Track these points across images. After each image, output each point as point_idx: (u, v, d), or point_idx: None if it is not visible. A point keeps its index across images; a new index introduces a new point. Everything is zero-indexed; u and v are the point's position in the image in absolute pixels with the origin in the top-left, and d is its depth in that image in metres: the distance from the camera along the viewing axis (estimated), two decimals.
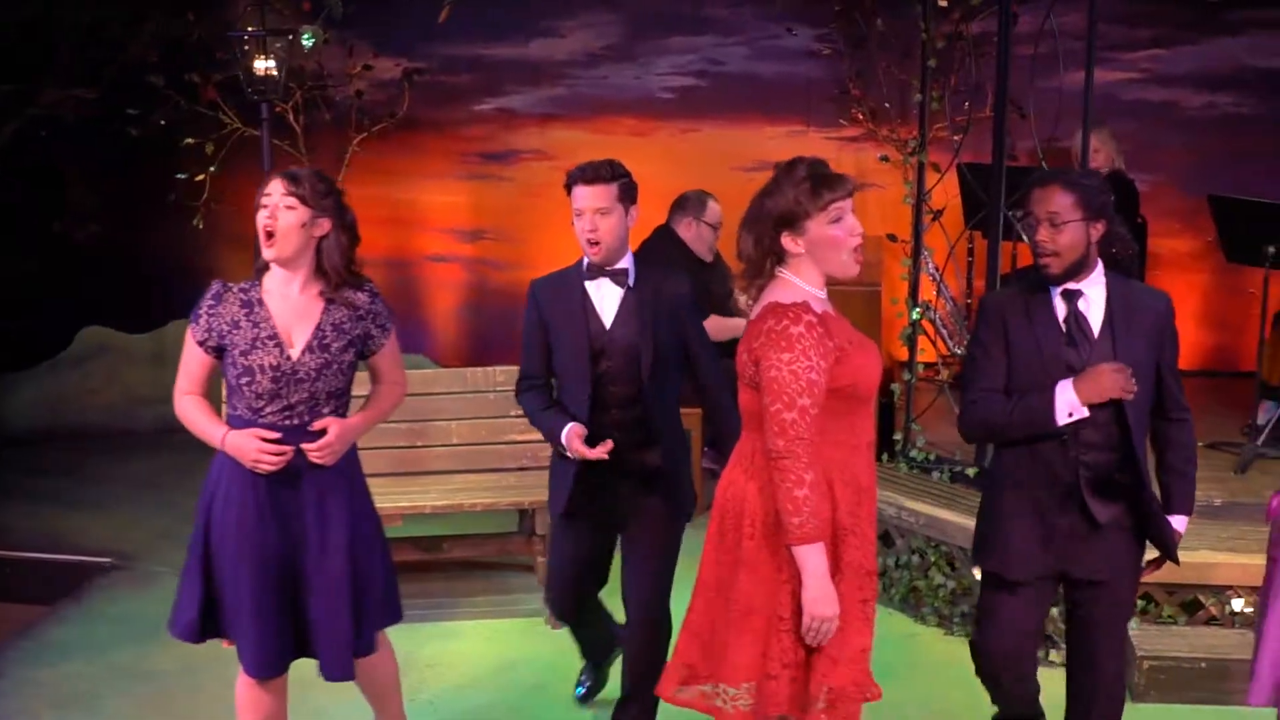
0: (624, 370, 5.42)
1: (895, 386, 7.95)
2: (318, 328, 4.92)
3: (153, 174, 10.01)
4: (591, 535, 5.66)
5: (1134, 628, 6.66)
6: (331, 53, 9.93)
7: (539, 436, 7.56)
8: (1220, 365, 10.12)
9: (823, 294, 4.39)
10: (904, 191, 7.91)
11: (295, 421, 4.91)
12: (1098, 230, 4.87)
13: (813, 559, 4.19)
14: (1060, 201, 4.83)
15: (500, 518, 7.82)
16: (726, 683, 4.38)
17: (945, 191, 8.04)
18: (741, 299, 4.55)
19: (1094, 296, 4.94)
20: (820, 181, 4.33)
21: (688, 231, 8.70)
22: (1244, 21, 9.93)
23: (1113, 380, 4.72)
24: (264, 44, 8.11)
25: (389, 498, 7.09)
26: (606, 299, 5.46)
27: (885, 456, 7.85)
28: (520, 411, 7.53)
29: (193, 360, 4.97)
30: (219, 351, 4.91)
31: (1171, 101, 10.13)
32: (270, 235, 4.86)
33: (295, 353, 4.88)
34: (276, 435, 4.86)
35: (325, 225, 4.93)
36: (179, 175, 9.74)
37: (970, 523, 6.94)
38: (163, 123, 9.65)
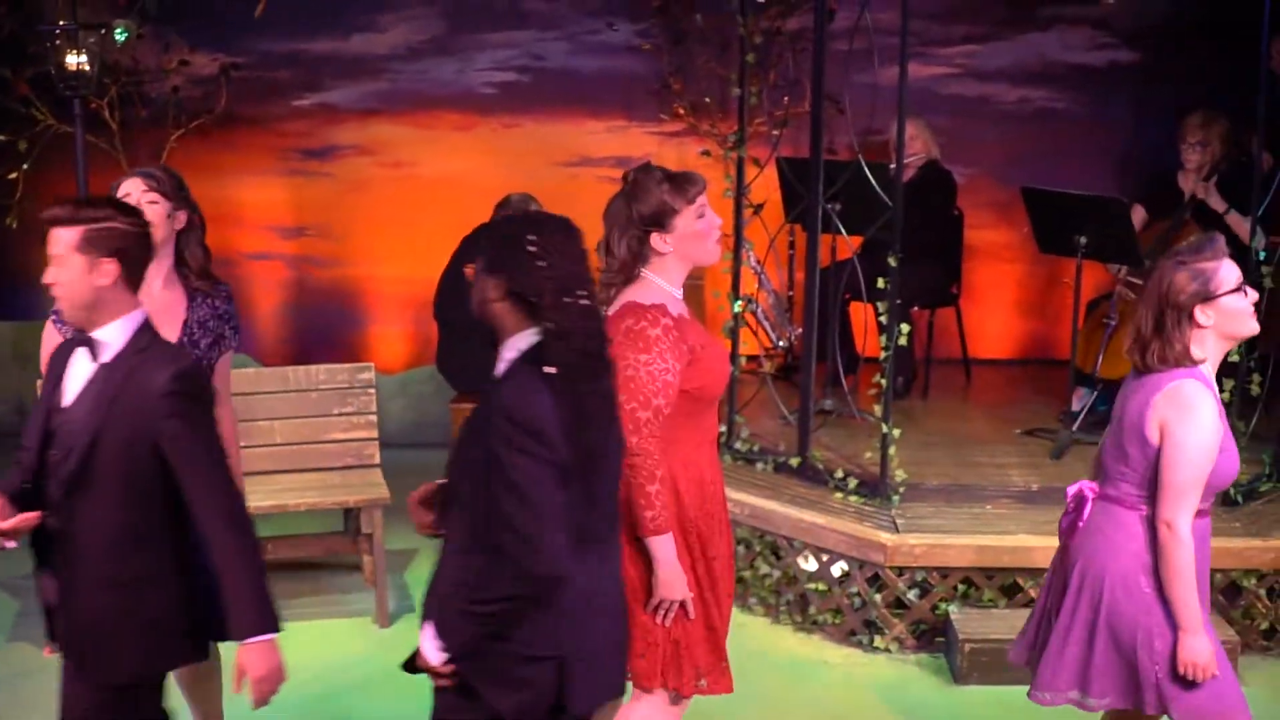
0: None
1: None
2: (185, 325, 4.99)
3: None
4: None
5: (955, 611, 6.81)
6: (147, 48, 9.77)
7: (365, 434, 7.57)
8: (1036, 353, 10.33)
9: (679, 294, 4.63)
10: (725, 186, 7.98)
11: None
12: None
13: (664, 547, 4.51)
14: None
15: (325, 517, 7.76)
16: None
17: (765, 185, 8.13)
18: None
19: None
20: (679, 181, 4.57)
21: None
22: (1054, 18, 10.14)
23: None
24: (76, 38, 7.97)
25: None
26: (77, 371, 4.26)
27: None
28: (345, 409, 7.54)
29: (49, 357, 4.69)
30: None
31: (986, 96, 10.30)
32: None
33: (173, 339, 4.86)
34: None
35: (183, 218, 5.04)
36: None
37: (794, 512, 7.08)
38: None
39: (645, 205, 4.52)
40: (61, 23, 7.98)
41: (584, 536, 3.84)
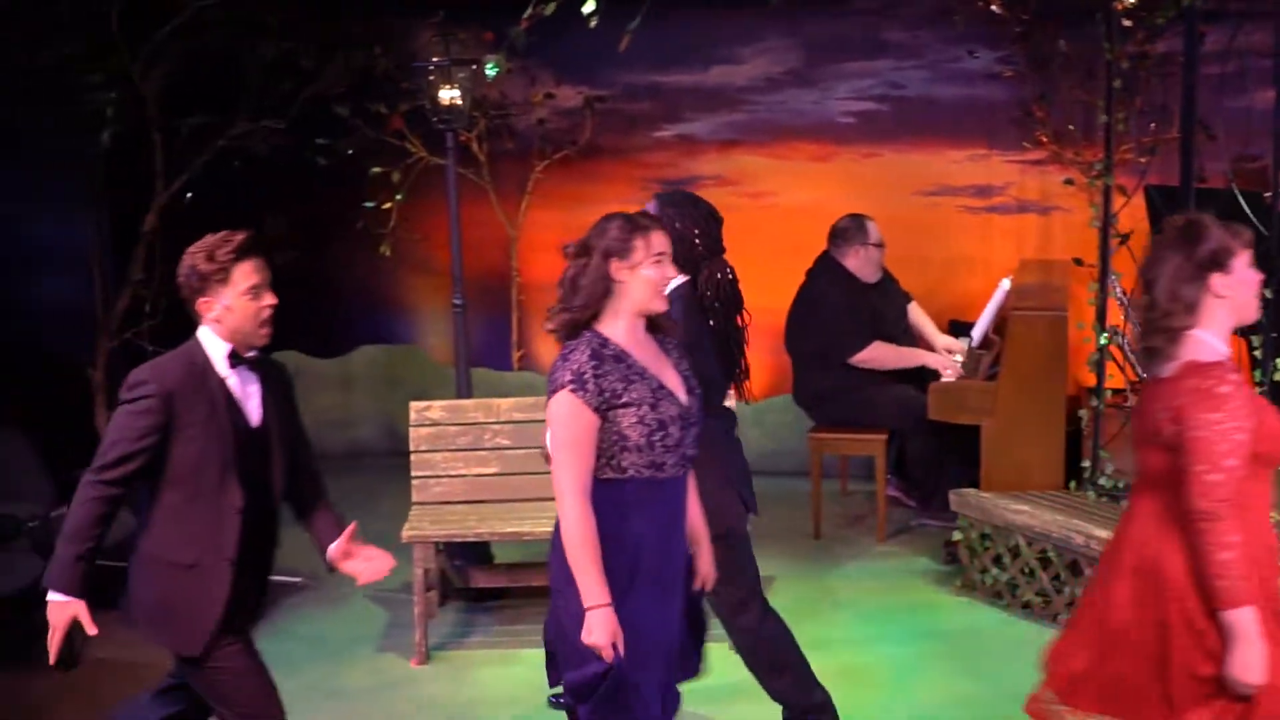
0: None
1: (1083, 413, 7.84)
2: (676, 368, 4.69)
3: (340, 203, 10.22)
4: None
5: None
6: (514, 82, 10.06)
7: None
8: None
9: (1228, 352, 4.40)
10: (1090, 215, 7.80)
11: (683, 471, 4.65)
12: None
13: (1243, 621, 4.16)
14: None
15: None
16: None
17: (1132, 215, 7.91)
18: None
19: None
20: (1230, 226, 4.39)
21: (855, 259, 8.78)
22: None
23: None
24: (449, 74, 8.22)
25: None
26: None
27: (1072, 484, 7.74)
28: None
29: (585, 434, 4.46)
30: (605, 415, 4.47)
31: None
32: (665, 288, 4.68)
33: (683, 398, 4.63)
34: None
35: None
36: (366, 204, 9.93)
37: None
38: (350, 152, 9.84)
39: (1207, 245, 4.31)
40: (435, 59, 8.25)
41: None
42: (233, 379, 4.84)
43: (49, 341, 9.27)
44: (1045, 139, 9.76)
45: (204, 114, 9.11)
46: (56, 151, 8.96)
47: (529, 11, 7.16)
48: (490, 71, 8.29)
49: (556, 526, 4.58)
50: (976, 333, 8.85)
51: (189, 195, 9.33)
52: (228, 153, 9.34)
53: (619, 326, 4.59)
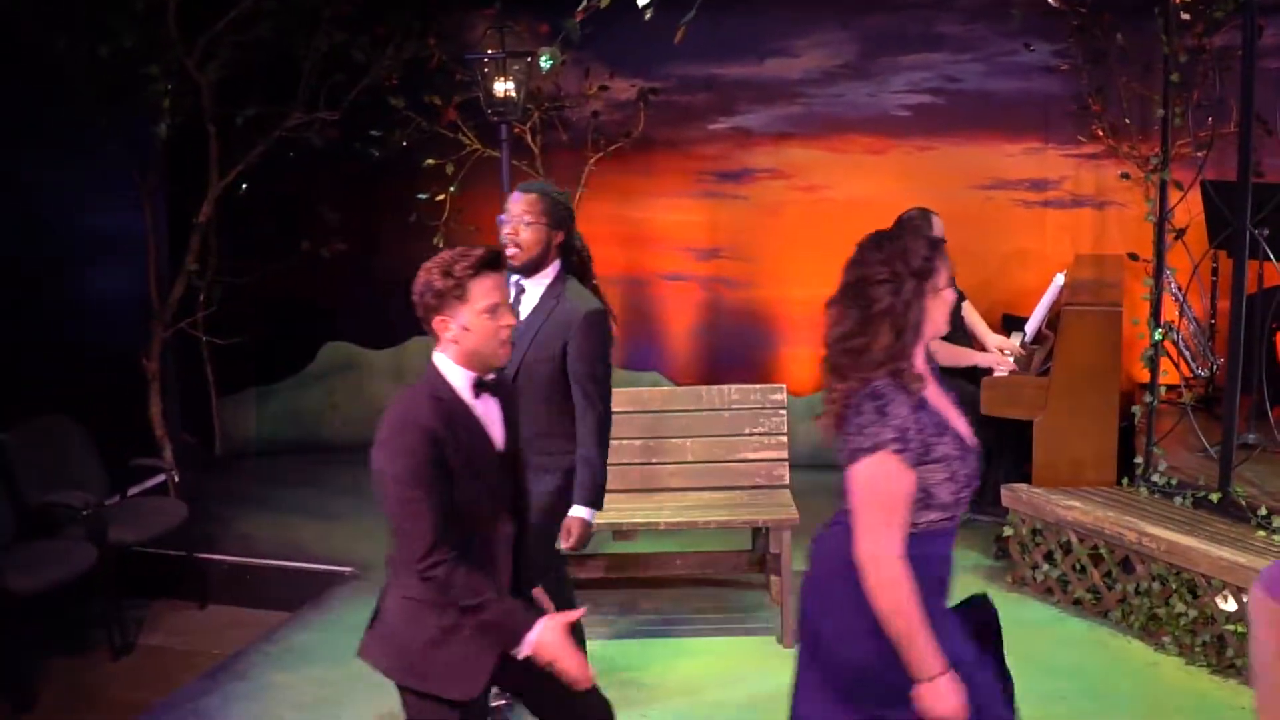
0: None
1: (1136, 409, 7.79)
2: (956, 405, 4.20)
3: (394, 194, 10.26)
4: None
5: None
6: (568, 74, 10.05)
7: (776, 455, 7.58)
8: None
9: None
10: (1145, 209, 7.75)
11: (962, 511, 4.13)
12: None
13: None
14: None
15: (733, 535, 7.84)
16: None
17: (1188, 209, 7.85)
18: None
19: None
20: None
21: None
22: None
23: None
24: (503, 66, 8.24)
25: (624, 513, 7.16)
26: None
27: (1125, 481, 7.70)
28: (757, 429, 7.61)
29: (905, 496, 3.93)
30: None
31: None
32: None
33: (970, 439, 4.14)
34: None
35: None
36: (420, 195, 9.95)
37: (1213, 550, 6.80)
38: (404, 144, 9.88)
39: None
40: (490, 51, 8.26)
41: None
42: (478, 406, 4.38)
43: (104, 331, 9.34)
44: (1101, 133, 9.71)
45: (259, 106, 9.16)
46: (113, 143, 9.02)
47: (584, 4, 7.16)
48: (545, 64, 8.29)
49: (820, 561, 4.17)
50: (1030, 327, 8.80)
51: (244, 186, 9.39)
52: (282, 144, 9.39)
53: (916, 363, 4.00)
